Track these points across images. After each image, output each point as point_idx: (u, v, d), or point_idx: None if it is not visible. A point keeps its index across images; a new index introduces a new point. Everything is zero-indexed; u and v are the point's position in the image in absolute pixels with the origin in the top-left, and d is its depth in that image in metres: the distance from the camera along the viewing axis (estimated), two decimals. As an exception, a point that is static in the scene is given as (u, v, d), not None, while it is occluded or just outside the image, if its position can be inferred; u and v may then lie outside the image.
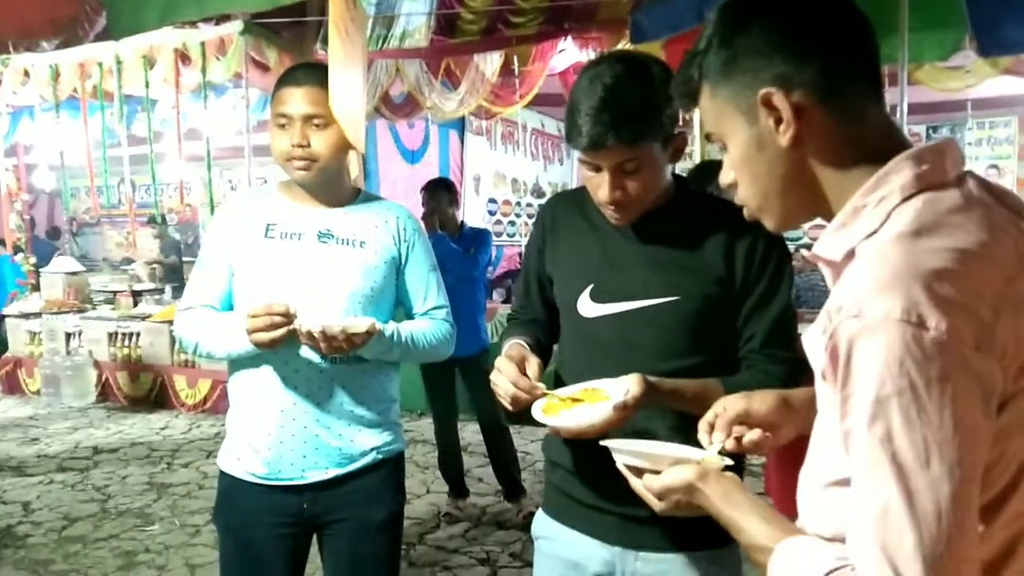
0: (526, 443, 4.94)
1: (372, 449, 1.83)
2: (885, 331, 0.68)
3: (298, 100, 1.68)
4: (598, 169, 1.33)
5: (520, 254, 7.36)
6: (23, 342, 6.96)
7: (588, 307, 1.43)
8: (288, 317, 1.62)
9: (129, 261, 8.34)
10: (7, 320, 7.08)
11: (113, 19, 2.44)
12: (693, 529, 1.16)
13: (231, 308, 1.82)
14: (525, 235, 8.35)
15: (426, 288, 1.90)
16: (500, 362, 1.37)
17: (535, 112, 8.62)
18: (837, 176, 0.82)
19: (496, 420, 3.91)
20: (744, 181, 0.87)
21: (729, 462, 0.99)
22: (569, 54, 5.43)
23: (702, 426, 1.10)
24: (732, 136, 0.86)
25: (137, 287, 7.22)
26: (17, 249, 7.44)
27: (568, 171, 10.35)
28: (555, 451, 1.52)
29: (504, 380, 1.34)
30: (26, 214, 7.71)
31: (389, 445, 1.87)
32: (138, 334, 6.44)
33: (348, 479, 1.81)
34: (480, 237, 4.02)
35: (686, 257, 1.39)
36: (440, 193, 3.93)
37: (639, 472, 0.99)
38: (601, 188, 1.33)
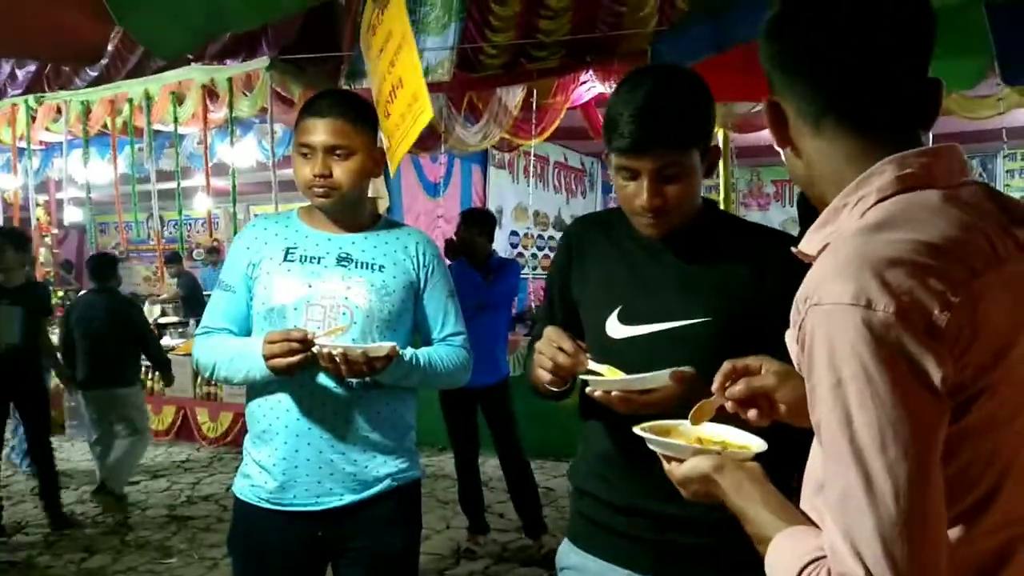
0: (548, 478, 4.86)
1: (387, 476, 1.81)
2: (838, 316, 0.70)
3: (321, 131, 1.70)
4: (635, 177, 1.30)
5: (543, 287, 7.37)
6: (51, 374, 7.01)
7: (617, 328, 1.40)
8: (306, 343, 1.62)
9: (157, 295, 8.44)
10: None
11: (146, 46, 2.50)
12: (735, 558, 1.11)
13: (249, 332, 1.82)
14: (545, 270, 8.34)
15: (444, 314, 1.89)
16: (546, 332, 1.32)
17: (557, 145, 8.66)
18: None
19: (518, 453, 3.85)
20: None
21: (756, 450, 0.96)
22: (590, 87, 5.46)
23: (725, 367, 1.08)
24: None
25: (162, 320, 7.28)
26: (48, 282, 7.56)
27: (591, 204, 10.37)
28: (584, 478, 1.48)
29: (549, 346, 1.30)
30: (56, 248, 7.85)
31: (405, 472, 1.84)
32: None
33: (363, 506, 1.78)
34: (504, 267, 4.00)
35: (718, 277, 1.36)
36: (473, 222, 3.95)
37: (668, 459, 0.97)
38: (639, 195, 1.30)
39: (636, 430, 1.04)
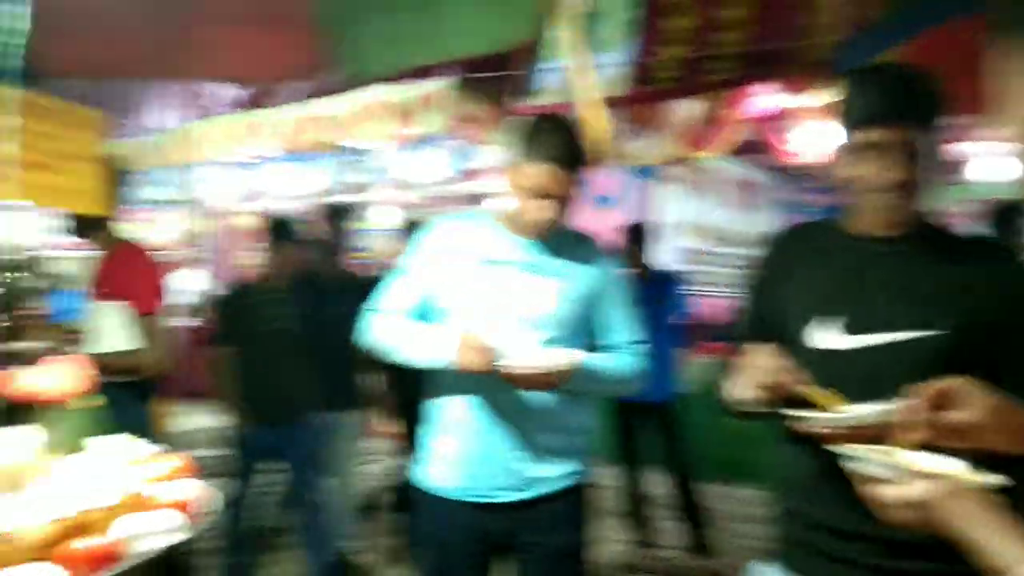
0: (717, 499, 4.71)
1: (559, 476, 1.85)
2: None
3: (560, 180, 1.75)
4: (880, 153, 1.28)
5: (718, 306, 7.14)
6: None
7: (828, 340, 1.34)
8: (496, 358, 1.68)
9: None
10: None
11: (345, 67, 2.71)
12: None
13: (423, 318, 1.90)
14: (718, 286, 8.07)
15: (622, 322, 1.91)
16: (760, 349, 1.30)
17: (731, 160, 8.41)
18: None
19: (686, 472, 3.78)
20: None
21: (993, 481, 0.90)
22: (767, 100, 5.27)
23: (929, 391, 1.02)
24: None
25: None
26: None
27: (766, 221, 9.96)
28: (794, 500, 1.42)
29: (767, 363, 1.27)
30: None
31: (577, 475, 1.88)
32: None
33: (533, 504, 1.84)
34: (669, 281, 3.96)
35: (951, 286, 1.28)
36: (631, 235, 3.94)
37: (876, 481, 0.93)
38: (887, 170, 1.28)
39: (846, 450, 1.00)
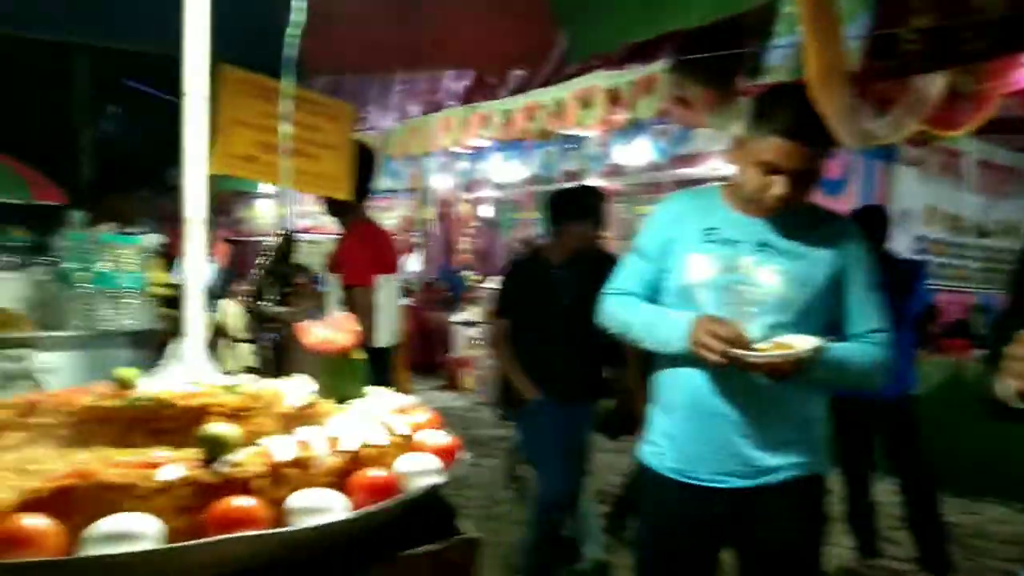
0: (955, 513, 4.29)
1: (788, 466, 1.78)
2: None
3: (793, 155, 1.68)
4: None
5: (959, 301, 6.47)
6: (464, 346, 8.15)
7: None
8: (738, 343, 1.63)
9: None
10: (453, 326, 8.36)
11: (571, 44, 2.77)
12: None
13: (655, 301, 1.90)
14: (960, 279, 7.28)
15: (865, 308, 1.79)
16: None
17: (982, 140, 7.53)
18: None
19: (922, 477, 3.47)
20: None
21: None
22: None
23: None
24: None
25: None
26: (468, 267, 8.76)
27: (1021, 209, 8.82)
28: None
29: None
30: (476, 238, 9.06)
31: (809, 466, 1.79)
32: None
33: (760, 493, 1.78)
34: (913, 270, 3.64)
35: None
36: (866, 221, 3.68)
37: None
38: None
39: None
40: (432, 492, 1.11)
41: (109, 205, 2.72)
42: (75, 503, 0.88)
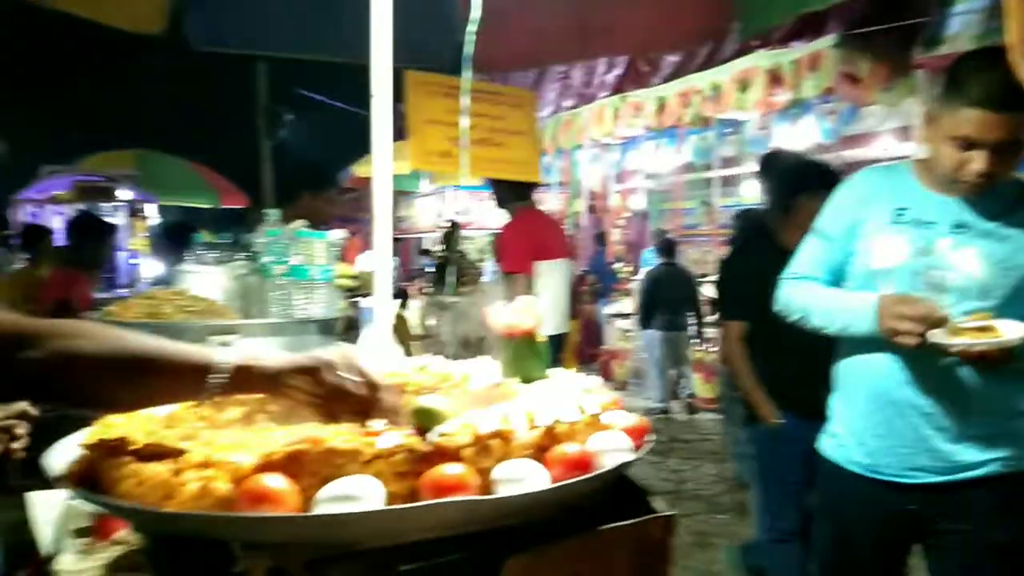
0: None
1: (989, 461, 1.66)
2: None
3: (994, 126, 1.56)
4: None
5: None
6: (617, 338, 8.13)
7: None
8: (936, 322, 1.54)
9: (705, 275, 9.04)
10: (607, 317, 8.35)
11: (744, 19, 2.71)
12: None
13: (836, 283, 1.82)
14: None
15: None
16: None
17: None
18: None
19: None
20: None
21: None
22: None
23: None
24: None
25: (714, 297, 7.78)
26: (618, 259, 8.72)
27: None
28: None
29: None
30: (627, 229, 9.01)
31: (1010, 461, 1.66)
32: (714, 339, 6.93)
33: (958, 489, 1.67)
34: None
35: None
36: None
37: None
38: None
39: None
40: (625, 470, 1.13)
41: (304, 204, 2.94)
42: (305, 466, 0.97)
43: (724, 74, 5.99)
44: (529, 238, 3.24)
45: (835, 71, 5.26)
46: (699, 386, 6.97)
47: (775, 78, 5.75)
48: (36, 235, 5.31)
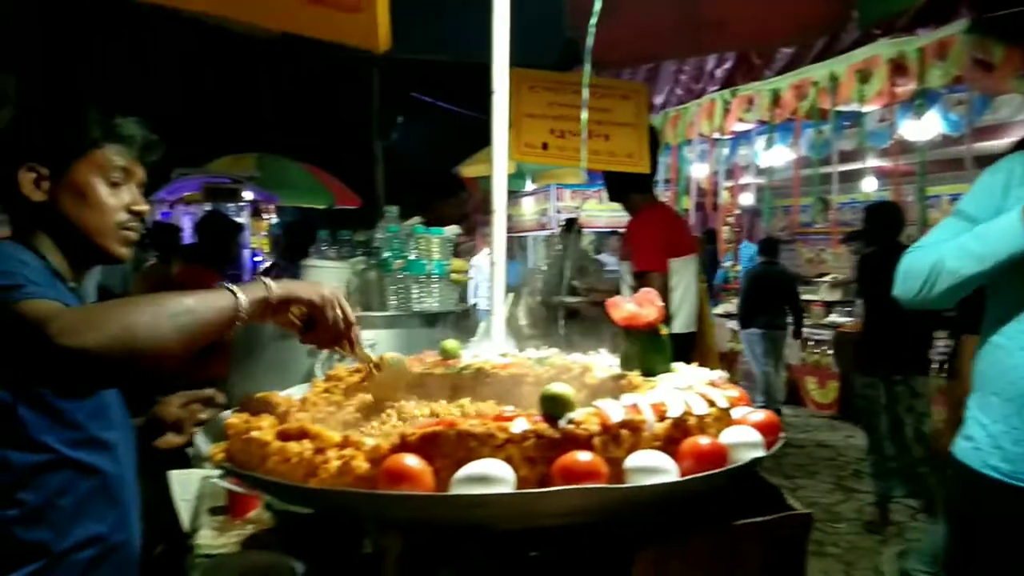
0: None
1: None
2: None
3: None
4: None
5: None
6: (726, 339, 7.93)
7: None
8: None
9: (821, 275, 8.70)
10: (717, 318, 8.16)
11: (864, 7, 2.60)
12: None
13: None
14: None
15: None
16: None
17: None
18: None
19: None
20: None
21: None
22: None
23: None
24: None
25: (828, 298, 7.48)
26: (728, 257, 8.50)
27: None
28: None
29: None
30: (736, 228, 8.77)
31: None
32: (828, 342, 6.67)
33: None
34: None
35: None
36: None
37: None
38: None
39: None
40: (756, 466, 1.10)
41: (436, 210, 3.03)
42: (439, 448, 1.00)
43: (843, 64, 5.72)
44: (662, 233, 3.13)
45: (965, 58, 4.94)
46: (814, 390, 6.72)
47: (898, 67, 5.45)
48: (166, 234, 5.66)
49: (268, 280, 1.22)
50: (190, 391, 1.61)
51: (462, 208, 3.54)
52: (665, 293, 3.04)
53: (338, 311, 1.27)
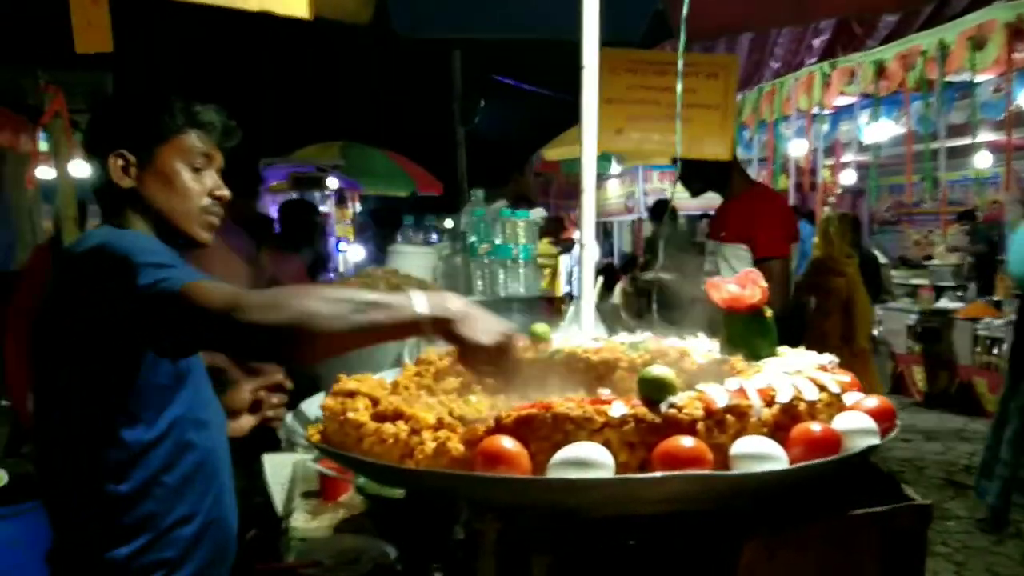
0: None
1: None
2: None
3: None
4: None
5: None
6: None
7: None
8: None
9: (928, 258, 8.23)
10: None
11: None
12: None
13: None
14: None
15: None
16: None
17: None
18: None
19: None
20: None
21: None
22: None
23: None
24: None
25: (940, 283, 7.07)
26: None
27: None
28: None
29: None
30: (837, 207, 8.38)
31: None
32: (936, 330, 6.31)
33: None
34: None
35: None
36: None
37: None
38: None
39: None
40: (871, 454, 1.03)
41: (514, 185, 2.99)
42: (535, 431, 0.97)
43: (953, 31, 5.36)
44: (781, 217, 2.96)
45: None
46: (920, 379, 6.38)
47: (1017, 32, 5.06)
48: (257, 223, 5.80)
49: (458, 304, 1.16)
50: (260, 377, 1.64)
51: (533, 187, 3.48)
52: (788, 280, 2.89)
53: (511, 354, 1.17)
